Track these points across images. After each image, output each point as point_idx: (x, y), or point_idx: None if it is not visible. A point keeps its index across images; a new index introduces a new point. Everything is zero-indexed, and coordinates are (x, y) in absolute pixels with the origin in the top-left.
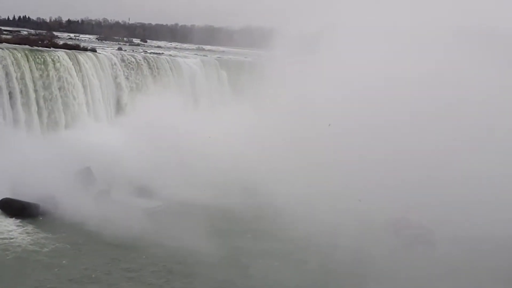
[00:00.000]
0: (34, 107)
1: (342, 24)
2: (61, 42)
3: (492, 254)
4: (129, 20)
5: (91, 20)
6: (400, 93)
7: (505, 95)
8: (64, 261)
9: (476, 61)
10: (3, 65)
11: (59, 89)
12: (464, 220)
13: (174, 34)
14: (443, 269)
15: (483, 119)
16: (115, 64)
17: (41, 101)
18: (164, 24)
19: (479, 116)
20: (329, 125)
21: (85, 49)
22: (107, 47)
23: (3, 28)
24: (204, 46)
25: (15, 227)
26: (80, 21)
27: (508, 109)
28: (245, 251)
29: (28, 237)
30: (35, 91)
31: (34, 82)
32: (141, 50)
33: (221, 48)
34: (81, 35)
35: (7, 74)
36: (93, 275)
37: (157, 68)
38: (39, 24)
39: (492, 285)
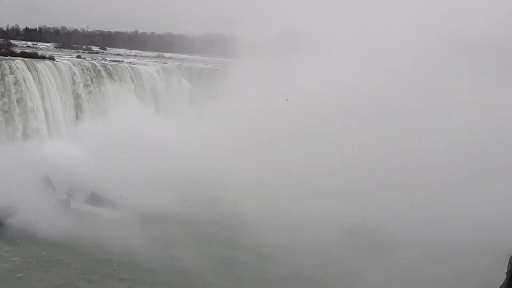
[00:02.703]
0: None
1: (303, 30)
2: (18, 50)
3: (454, 259)
4: (87, 27)
5: (49, 28)
6: (364, 98)
7: (472, 99)
8: (20, 274)
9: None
10: None
11: (17, 98)
12: (424, 224)
13: (134, 41)
14: (406, 275)
15: (447, 123)
16: (74, 72)
17: None
18: (124, 31)
19: (443, 120)
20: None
21: (43, 57)
22: (66, 55)
23: None
24: (164, 54)
25: None
26: (37, 29)
27: (472, 112)
28: (205, 260)
29: None
30: None
31: None
32: (101, 58)
33: (181, 55)
34: (39, 43)
35: None
36: None
37: (117, 76)
38: None
39: None
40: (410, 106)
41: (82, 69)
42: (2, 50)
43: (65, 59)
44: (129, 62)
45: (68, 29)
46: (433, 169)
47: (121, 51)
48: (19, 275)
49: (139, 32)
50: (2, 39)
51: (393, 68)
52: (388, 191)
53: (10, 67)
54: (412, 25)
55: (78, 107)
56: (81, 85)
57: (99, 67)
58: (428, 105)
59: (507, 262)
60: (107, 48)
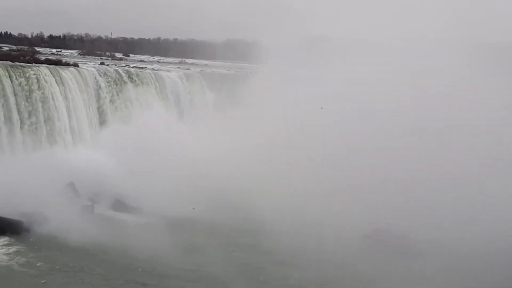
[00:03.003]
0: (16, 124)
1: (325, 36)
2: (43, 58)
3: (479, 266)
4: (111, 34)
5: (73, 35)
6: (385, 102)
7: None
8: (44, 280)
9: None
10: None
11: (42, 104)
12: (442, 225)
13: (157, 48)
14: (430, 283)
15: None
16: (97, 79)
17: (24, 118)
18: (146, 38)
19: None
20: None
21: (67, 64)
22: (90, 62)
23: None
24: (186, 60)
25: None
26: (62, 36)
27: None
28: (228, 266)
29: (10, 255)
30: (17, 106)
31: (16, 98)
32: (124, 65)
33: (204, 61)
34: (63, 50)
35: None
36: None
37: (141, 82)
38: (20, 39)
39: None
40: (434, 110)
41: (106, 76)
42: (27, 57)
43: (90, 67)
44: (152, 69)
45: (91, 36)
46: (455, 172)
47: (144, 57)
48: (43, 281)
49: (162, 38)
50: (27, 46)
51: (418, 72)
52: (409, 193)
53: (38, 80)
54: (439, 30)
55: (102, 114)
56: (105, 92)
57: (125, 78)
58: (451, 111)
59: None
60: (130, 55)
